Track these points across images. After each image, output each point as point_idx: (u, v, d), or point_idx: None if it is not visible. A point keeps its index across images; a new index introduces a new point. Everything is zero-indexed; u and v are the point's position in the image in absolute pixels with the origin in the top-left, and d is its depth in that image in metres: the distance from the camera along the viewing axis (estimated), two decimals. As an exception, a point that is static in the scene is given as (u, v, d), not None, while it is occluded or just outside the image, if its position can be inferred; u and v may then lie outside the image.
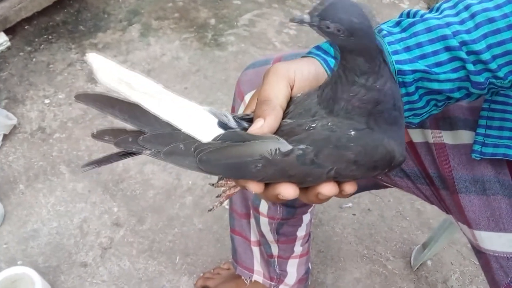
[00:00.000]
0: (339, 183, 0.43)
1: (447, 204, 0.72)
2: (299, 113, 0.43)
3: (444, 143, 0.68)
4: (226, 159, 0.41)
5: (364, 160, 0.41)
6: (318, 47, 0.51)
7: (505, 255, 0.66)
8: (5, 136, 1.46)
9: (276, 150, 0.40)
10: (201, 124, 0.42)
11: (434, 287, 1.26)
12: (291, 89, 0.46)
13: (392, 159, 0.42)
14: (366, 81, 0.40)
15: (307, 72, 0.47)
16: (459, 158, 0.67)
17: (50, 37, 1.82)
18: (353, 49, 0.39)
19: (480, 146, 0.62)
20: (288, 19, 2.02)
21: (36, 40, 1.81)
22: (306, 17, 0.39)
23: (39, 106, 1.58)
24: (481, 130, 0.62)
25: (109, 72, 0.41)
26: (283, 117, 0.43)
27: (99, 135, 0.42)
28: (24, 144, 1.47)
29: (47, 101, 1.60)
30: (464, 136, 0.66)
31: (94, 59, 0.41)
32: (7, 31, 1.73)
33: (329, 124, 0.41)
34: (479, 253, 0.70)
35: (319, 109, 0.42)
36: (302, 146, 0.40)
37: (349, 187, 0.43)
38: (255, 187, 0.42)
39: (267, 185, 0.43)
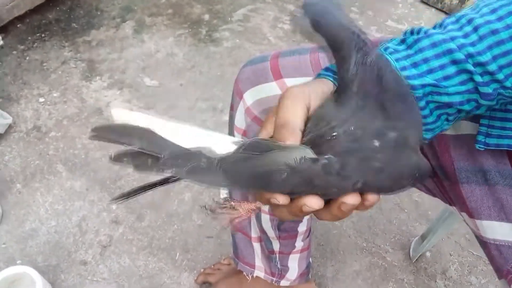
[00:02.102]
0: (362, 193, 0.43)
1: (450, 196, 0.73)
2: (315, 124, 0.43)
3: (445, 133, 0.68)
4: (250, 168, 0.40)
5: (390, 172, 0.40)
6: (327, 69, 0.52)
7: (506, 243, 0.67)
8: (1, 136, 1.45)
9: (301, 158, 0.39)
10: (221, 144, 0.42)
11: (433, 278, 1.27)
12: (308, 111, 0.46)
13: (419, 172, 0.42)
14: (355, 58, 0.40)
15: (321, 92, 0.47)
16: (460, 148, 0.68)
17: (43, 35, 1.81)
18: (322, 32, 0.41)
19: (484, 137, 0.63)
20: (282, 14, 2.02)
21: (29, 38, 1.79)
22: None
23: (34, 105, 1.57)
24: (484, 121, 0.62)
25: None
26: (302, 137, 0.43)
27: (117, 159, 0.39)
28: (20, 143, 1.46)
29: (41, 99, 1.59)
30: (465, 127, 0.66)
31: (118, 114, 0.40)
32: (-1, 30, 1.72)
33: (351, 128, 0.40)
34: (482, 242, 0.70)
35: (334, 113, 0.42)
36: (327, 156, 0.40)
37: (372, 197, 0.43)
38: (282, 199, 0.41)
39: (291, 198, 0.42)
